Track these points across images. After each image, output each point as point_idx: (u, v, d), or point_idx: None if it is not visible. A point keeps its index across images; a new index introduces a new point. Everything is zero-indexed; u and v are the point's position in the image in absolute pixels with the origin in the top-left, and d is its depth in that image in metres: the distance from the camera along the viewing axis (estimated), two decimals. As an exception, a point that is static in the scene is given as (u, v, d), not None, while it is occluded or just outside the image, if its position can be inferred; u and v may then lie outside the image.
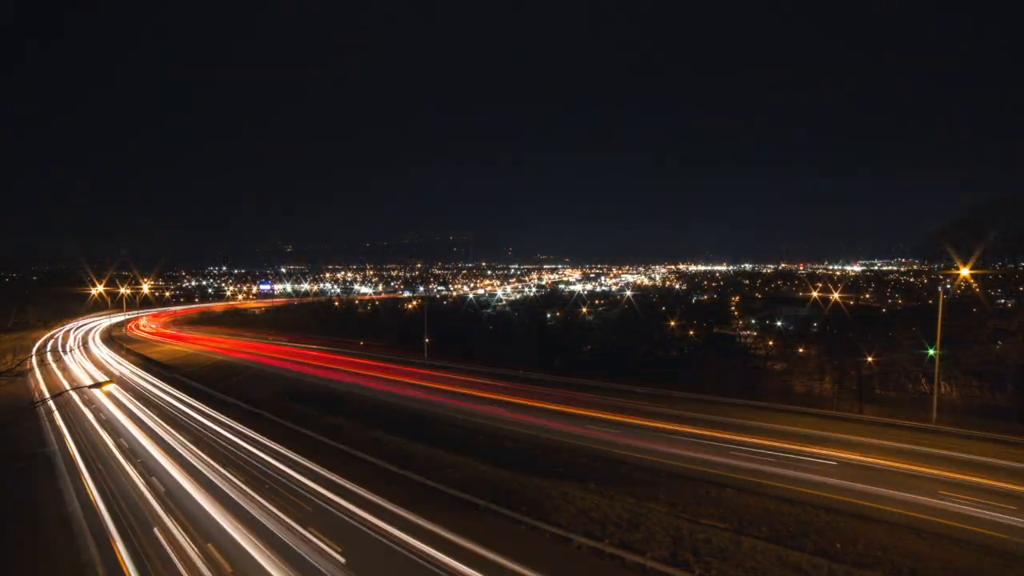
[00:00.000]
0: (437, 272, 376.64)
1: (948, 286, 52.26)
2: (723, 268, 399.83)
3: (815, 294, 75.80)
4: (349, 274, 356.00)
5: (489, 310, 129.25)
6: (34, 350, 69.71)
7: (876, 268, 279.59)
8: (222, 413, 36.74)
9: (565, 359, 59.61)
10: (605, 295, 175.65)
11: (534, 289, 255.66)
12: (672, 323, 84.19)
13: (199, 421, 35.09)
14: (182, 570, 17.16)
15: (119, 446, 30.02)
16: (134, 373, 53.92)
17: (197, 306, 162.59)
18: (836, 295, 64.82)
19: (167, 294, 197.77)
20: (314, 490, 23.10)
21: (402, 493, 22.58)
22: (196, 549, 18.32)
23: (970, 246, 39.18)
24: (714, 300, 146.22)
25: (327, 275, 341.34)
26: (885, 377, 42.58)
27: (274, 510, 21.07)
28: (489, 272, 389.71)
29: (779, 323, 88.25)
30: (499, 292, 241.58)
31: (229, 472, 25.37)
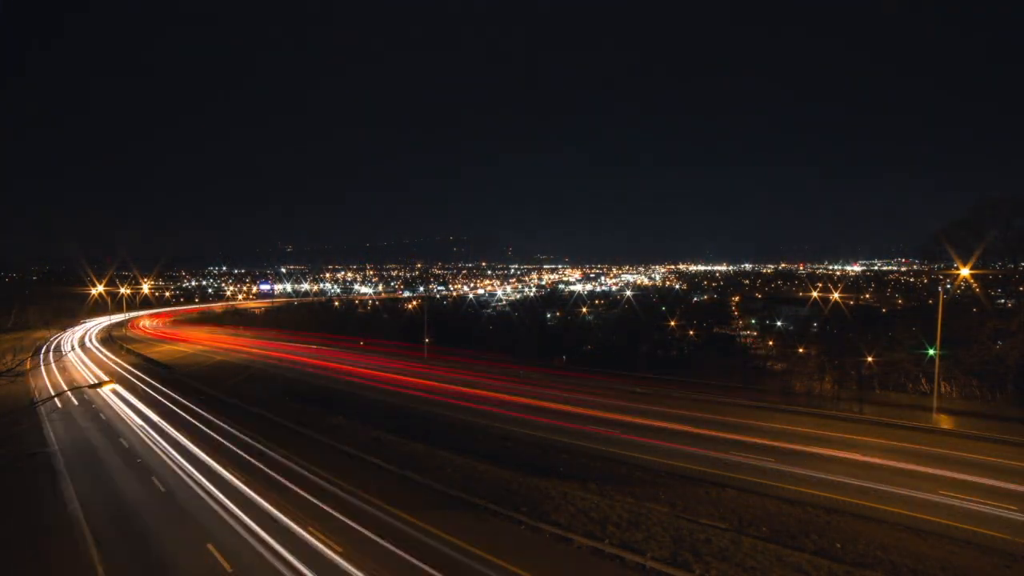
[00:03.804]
0: (437, 272, 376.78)
1: (948, 286, 52.19)
2: (723, 268, 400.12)
3: (815, 294, 75.66)
4: (349, 274, 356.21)
5: (489, 310, 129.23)
6: (33, 349, 69.70)
7: (876, 268, 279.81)
8: (222, 413, 36.74)
9: (565, 359, 59.57)
10: (605, 295, 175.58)
11: (534, 289, 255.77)
12: (672, 323, 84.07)
13: (198, 421, 35.08)
14: (182, 570, 17.16)
15: (119, 446, 30.03)
16: (134, 373, 53.90)
17: (197, 306, 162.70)
18: (836, 295, 64.65)
19: (167, 294, 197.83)
20: (313, 492, 23.11)
21: (402, 494, 22.60)
22: (196, 549, 18.33)
23: (970, 246, 39.11)
24: (714, 300, 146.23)
25: (327, 275, 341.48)
26: (885, 377, 42.47)
27: (273, 509, 21.07)
28: (489, 272, 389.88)
29: (779, 323, 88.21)
30: (499, 292, 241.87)
31: (230, 472, 25.38)
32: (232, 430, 32.71)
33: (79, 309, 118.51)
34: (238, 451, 28.78)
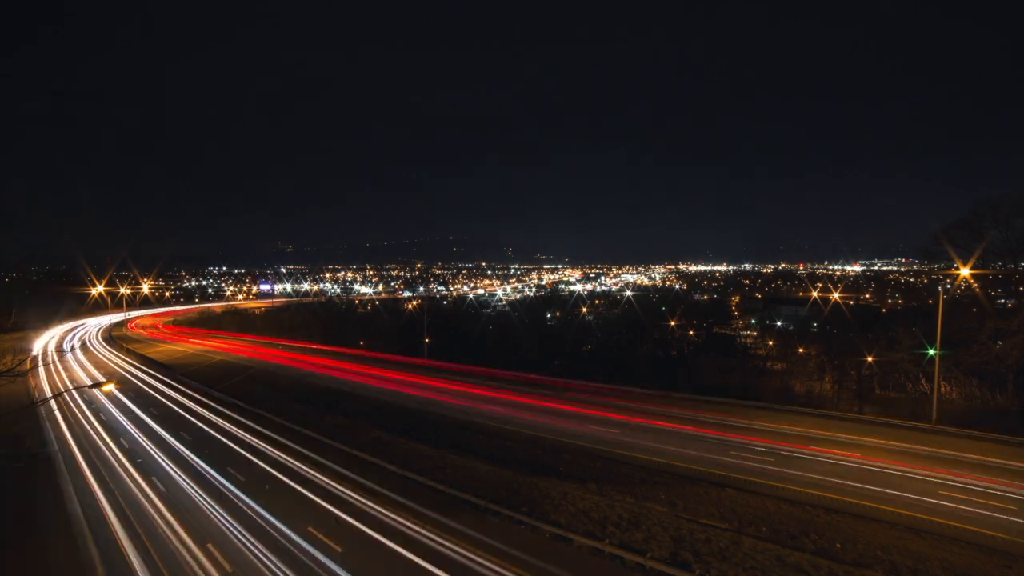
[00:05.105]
0: (437, 272, 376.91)
1: (948, 286, 52.22)
2: (723, 268, 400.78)
3: (815, 294, 75.85)
4: (349, 274, 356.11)
5: (489, 310, 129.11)
6: (34, 349, 69.69)
7: (876, 268, 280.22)
8: (221, 413, 36.74)
9: (565, 359, 59.65)
10: (605, 295, 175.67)
11: (534, 289, 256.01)
12: (672, 323, 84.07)
13: (199, 421, 35.08)
14: (182, 570, 17.16)
15: (119, 446, 30.01)
16: (134, 373, 53.89)
17: (197, 306, 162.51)
18: (836, 295, 64.78)
19: (167, 294, 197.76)
20: (314, 492, 23.12)
21: (403, 493, 22.59)
22: (196, 549, 18.33)
23: (970, 246, 39.13)
24: (714, 300, 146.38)
25: (327, 275, 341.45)
26: (885, 377, 42.53)
27: (273, 510, 21.07)
28: (489, 272, 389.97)
29: (779, 323, 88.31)
30: (499, 292, 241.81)
31: (229, 473, 25.37)
32: (232, 430, 32.72)
33: (79, 309, 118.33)
34: (238, 450, 28.78)
